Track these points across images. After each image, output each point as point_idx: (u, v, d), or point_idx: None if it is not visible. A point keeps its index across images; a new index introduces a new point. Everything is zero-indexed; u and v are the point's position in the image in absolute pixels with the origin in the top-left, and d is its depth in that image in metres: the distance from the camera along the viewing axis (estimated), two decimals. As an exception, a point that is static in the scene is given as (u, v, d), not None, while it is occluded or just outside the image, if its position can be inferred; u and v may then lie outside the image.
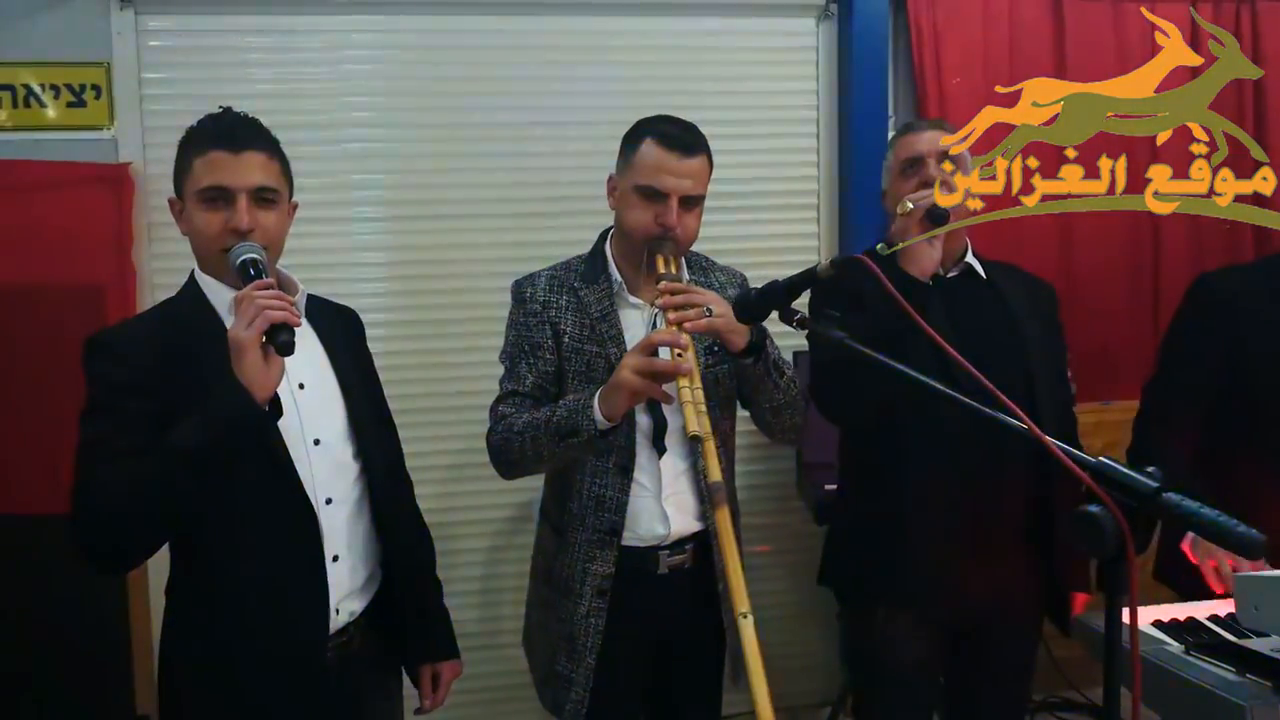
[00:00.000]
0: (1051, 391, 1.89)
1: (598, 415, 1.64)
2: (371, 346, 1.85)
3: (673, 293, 1.67)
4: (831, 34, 3.06)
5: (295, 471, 1.54)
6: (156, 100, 2.74)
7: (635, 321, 1.84)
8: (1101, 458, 0.94)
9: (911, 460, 1.83)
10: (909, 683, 1.92)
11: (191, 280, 1.61)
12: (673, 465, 1.83)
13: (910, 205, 1.66)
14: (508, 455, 1.77)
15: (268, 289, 1.43)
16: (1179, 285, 2.13)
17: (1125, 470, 0.92)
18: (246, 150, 1.54)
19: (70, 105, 2.71)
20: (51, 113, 2.71)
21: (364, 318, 1.85)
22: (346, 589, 1.61)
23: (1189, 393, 1.99)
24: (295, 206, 1.67)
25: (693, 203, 1.79)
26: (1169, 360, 2.06)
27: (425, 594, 1.81)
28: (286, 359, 1.42)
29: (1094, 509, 0.89)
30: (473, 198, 2.89)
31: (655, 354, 1.61)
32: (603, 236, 1.92)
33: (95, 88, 2.71)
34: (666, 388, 1.62)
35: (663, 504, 1.82)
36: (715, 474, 1.52)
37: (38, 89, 2.70)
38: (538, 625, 1.96)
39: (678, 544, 1.85)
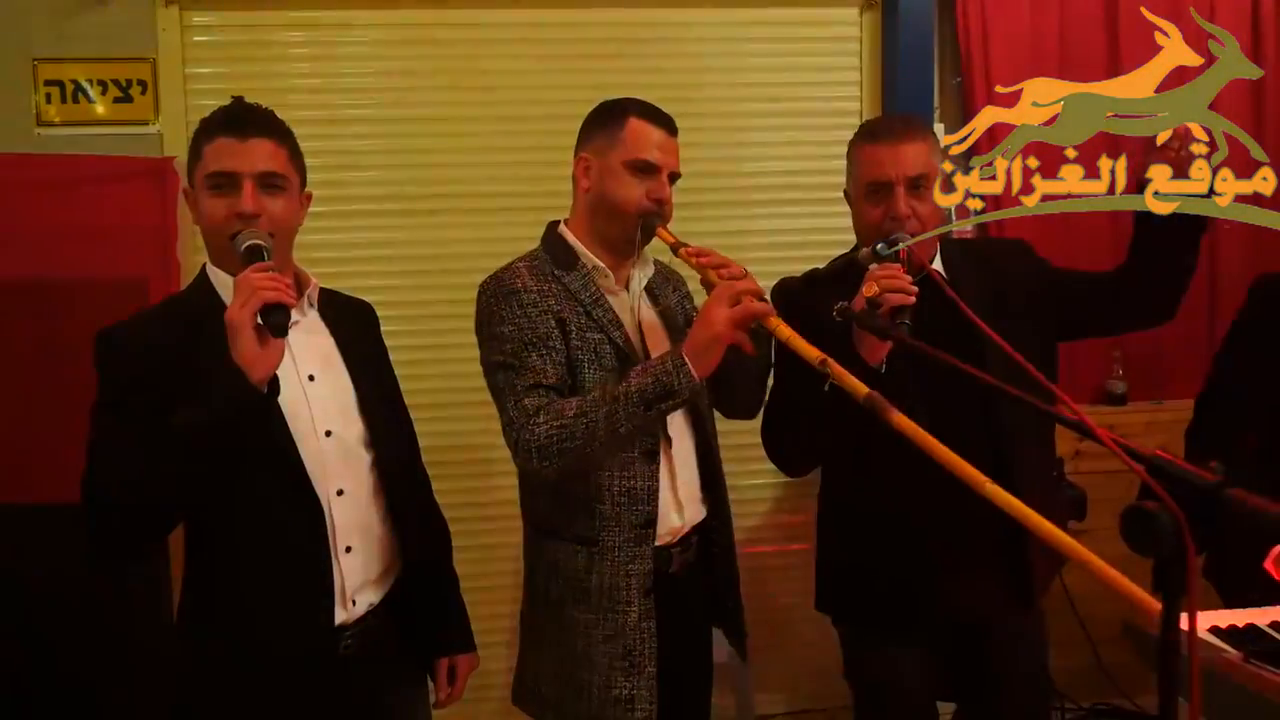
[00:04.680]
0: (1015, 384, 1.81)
1: (693, 372, 1.59)
2: (390, 340, 1.84)
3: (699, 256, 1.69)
4: (875, 24, 3.02)
5: (301, 464, 1.54)
6: (201, 95, 2.77)
7: (621, 306, 1.80)
8: (1157, 451, 0.89)
9: (882, 483, 1.80)
10: (907, 700, 1.91)
11: (203, 274, 1.63)
12: (682, 448, 1.80)
13: (877, 289, 1.54)
14: (567, 443, 1.62)
15: (265, 270, 1.43)
16: (1234, 282, 2.08)
17: (1184, 466, 0.87)
18: (253, 137, 1.55)
19: (117, 101, 2.75)
20: (99, 108, 2.75)
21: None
22: (361, 579, 1.61)
23: (1247, 404, 1.92)
24: (309, 197, 1.67)
25: (674, 180, 1.78)
26: (1228, 365, 1.99)
27: (440, 586, 1.79)
28: (299, 351, 1.42)
29: (1149, 505, 0.85)
30: (512, 191, 2.88)
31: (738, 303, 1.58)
32: (551, 228, 1.85)
33: (141, 83, 2.74)
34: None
35: (678, 494, 1.79)
36: (861, 388, 1.35)
37: (85, 85, 2.73)
38: (572, 656, 1.77)
39: (684, 540, 1.82)
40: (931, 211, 1.78)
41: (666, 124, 1.79)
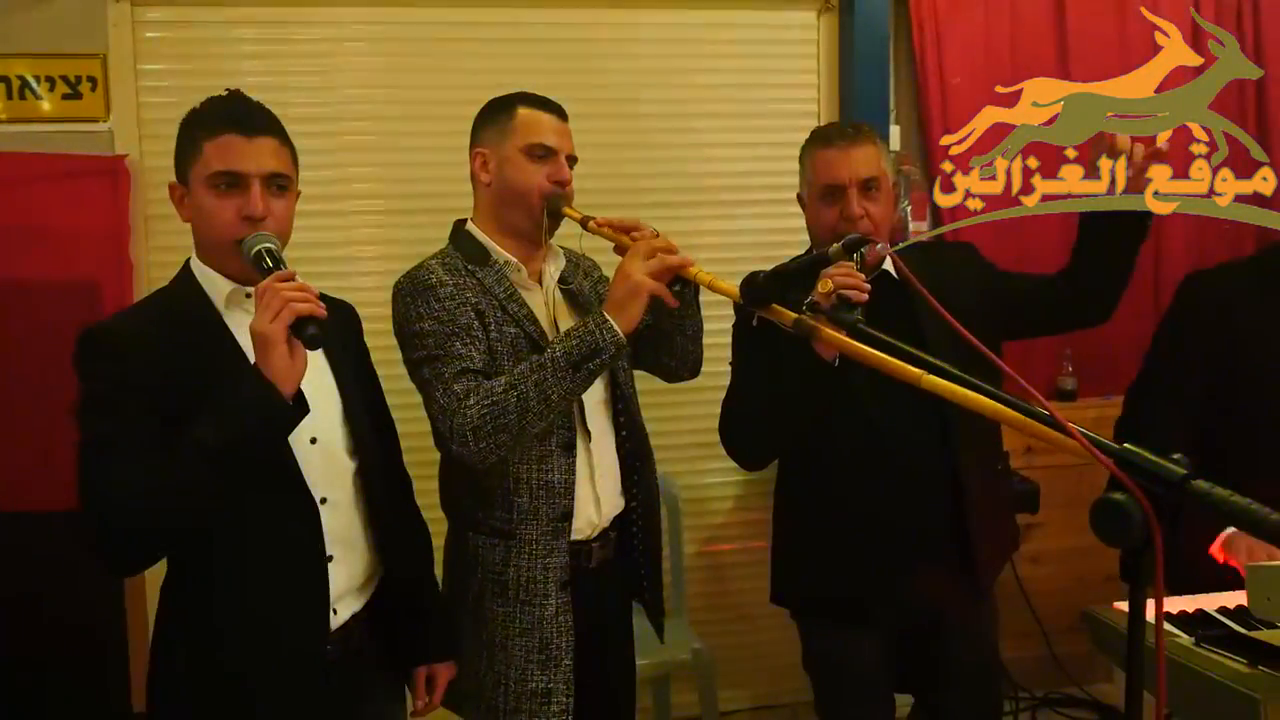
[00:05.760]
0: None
1: (616, 328, 1.60)
2: (369, 341, 1.82)
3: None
4: (832, 27, 3.05)
5: (298, 468, 1.51)
6: (153, 92, 2.72)
7: (536, 302, 1.80)
8: (1126, 445, 0.92)
9: (833, 475, 1.85)
10: (863, 690, 1.95)
11: (187, 270, 1.57)
12: (602, 442, 1.81)
13: (832, 286, 1.53)
14: (501, 419, 1.60)
15: (289, 279, 1.40)
16: (1179, 278, 2.13)
17: (1151, 457, 0.90)
18: (260, 135, 1.51)
19: (66, 97, 2.69)
20: (47, 105, 2.68)
21: (359, 312, 1.82)
22: (344, 588, 1.58)
23: (1176, 395, 1.97)
24: (298, 195, 1.65)
25: (572, 164, 1.81)
26: (1156, 362, 2.05)
27: (420, 593, 1.76)
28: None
29: (1118, 496, 0.87)
30: (470, 190, 2.86)
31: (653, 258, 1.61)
32: (458, 227, 1.85)
33: (91, 79, 2.69)
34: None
35: (595, 487, 1.79)
36: (788, 316, 1.38)
37: (33, 81, 2.67)
38: (489, 649, 1.77)
39: (603, 535, 1.82)
40: (883, 212, 1.87)
41: (556, 110, 1.81)
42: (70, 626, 2.65)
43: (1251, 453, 1.87)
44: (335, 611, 1.57)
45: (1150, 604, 0.90)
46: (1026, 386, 1.00)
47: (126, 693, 2.71)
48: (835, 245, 1.33)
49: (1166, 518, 0.85)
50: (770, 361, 1.84)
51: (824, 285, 1.54)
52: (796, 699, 3.09)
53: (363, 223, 2.86)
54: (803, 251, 1.93)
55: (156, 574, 1.54)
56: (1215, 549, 1.73)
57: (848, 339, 1.28)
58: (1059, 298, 1.94)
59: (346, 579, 1.59)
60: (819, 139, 1.91)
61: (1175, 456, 0.89)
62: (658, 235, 1.68)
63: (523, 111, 1.78)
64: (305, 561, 1.52)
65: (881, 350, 1.22)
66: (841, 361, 1.67)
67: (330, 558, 1.55)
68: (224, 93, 1.57)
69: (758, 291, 1.38)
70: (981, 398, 1.06)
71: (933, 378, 1.12)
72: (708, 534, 3.14)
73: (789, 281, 1.37)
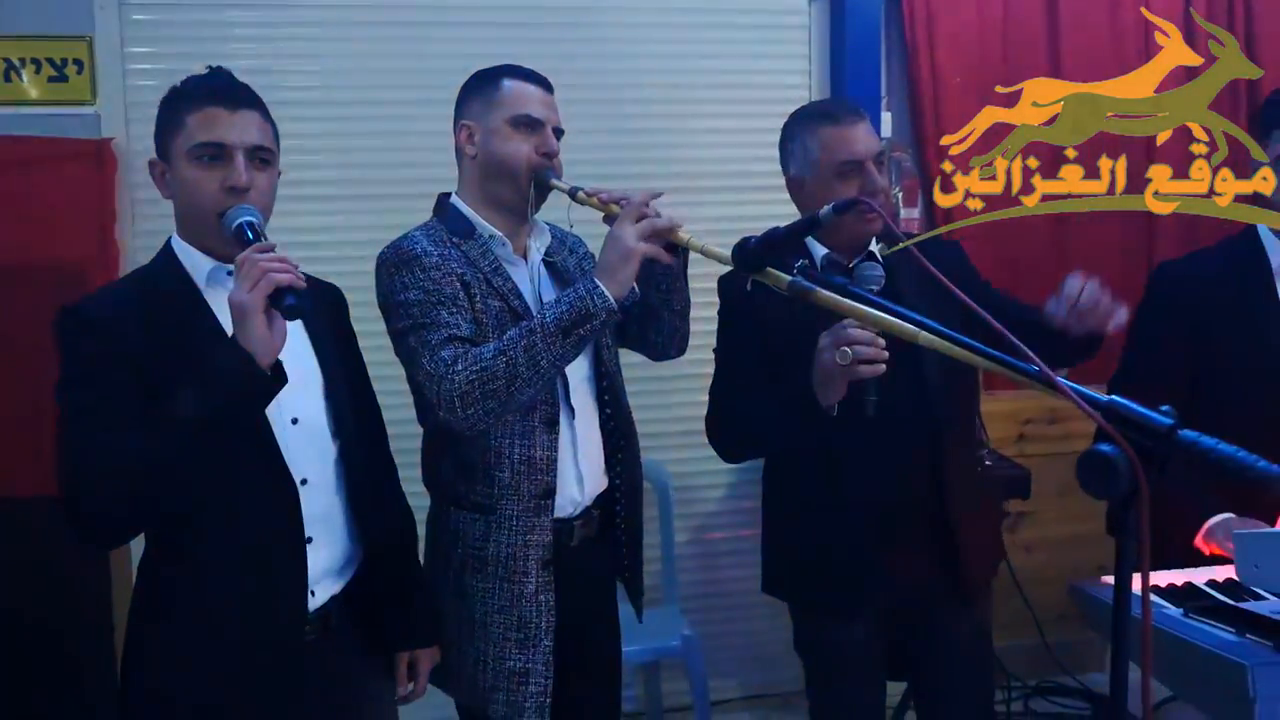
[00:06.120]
0: (947, 372, 1.83)
1: (607, 293, 1.58)
2: (357, 326, 1.80)
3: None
4: (824, 13, 3.04)
5: (278, 447, 1.50)
6: (140, 75, 2.71)
7: (521, 277, 1.79)
8: (1113, 397, 0.91)
9: (826, 465, 1.83)
10: (855, 674, 1.94)
11: (168, 248, 1.56)
12: (585, 419, 1.80)
13: (850, 355, 1.55)
14: (489, 385, 1.57)
15: (269, 250, 1.39)
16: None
17: (1138, 408, 0.89)
18: (243, 108, 1.51)
19: (52, 80, 2.67)
20: (32, 88, 2.67)
21: (352, 296, 1.80)
22: (323, 570, 1.57)
23: (1155, 382, 1.96)
24: (279, 174, 1.63)
25: (559, 136, 1.79)
26: (1134, 352, 2.05)
27: (403, 578, 1.74)
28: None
29: (1105, 447, 0.86)
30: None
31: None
32: (443, 200, 1.84)
33: (77, 62, 2.67)
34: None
35: (579, 465, 1.78)
36: (782, 279, 1.37)
37: (18, 64, 2.65)
38: (469, 625, 1.76)
39: (585, 513, 1.81)
40: (886, 187, 1.87)
41: (542, 82, 1.79)
42: (55, 611, 2.64)
43: (1226, 430, 1.86)
44: (313, 594, 1.55)
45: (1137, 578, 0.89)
46: (1018, 344, 0.99)
47: (113, 674, 2.69)
48: (826, 208, 1.32)
49: (1154, 470, 0.84)
50: (761, 353, 1.84)
51: (842, 356, 1.56)
52: (788, 687, 3.07)
53: (353, 207, 2.84)
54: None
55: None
56: (1199, 541, 1.72)
57: (843, 300, 1.27)
58: (1042, 337, 1.92)
59: (325, 561, 1.58)
60: (823, 117, 1.87)
61: (1163, 408, 0.88)
62: (658, 196, 1.66)
63: (509, 83, 1.76)
64: (283, 543, 1.51)
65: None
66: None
67: (309, 539, 1.54)
68: (207, 69, 1.56)
69: (750, 255, 1.37)
70: (974, 355, 1.05)
71: (929, 335, 1.11)
72: (699, 521, 3.13)
73: (781, 246, 1.36)
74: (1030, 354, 0.98)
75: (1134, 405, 0.89)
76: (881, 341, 1.56)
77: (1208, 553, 1.74)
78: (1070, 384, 0.92)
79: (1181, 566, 1.69)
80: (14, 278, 2.59)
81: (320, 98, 2.80)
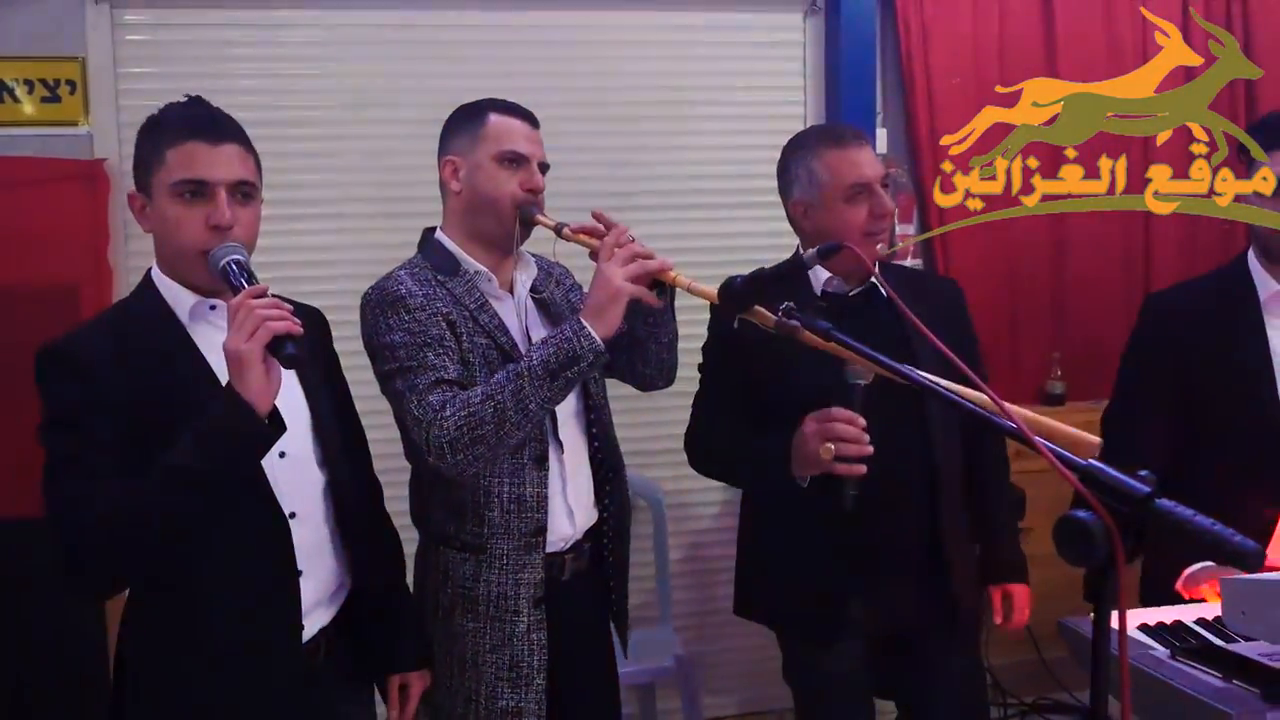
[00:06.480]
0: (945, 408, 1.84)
1: (594, 335, 1.57)
2: (340, 346, 1.78)
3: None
4: (818, 29, 3.03)
5: (268, 483, 1.49)
6: (133, 96, 2.70)
7: (507, 312, 1.78)
8: (1091, 460, 0.90)
9: (805, 490, 1.79)
10: (844, 698, 1.93)
11: (148, 282, 1.53)
12: (574, 454, 1.79)
13: (832, 452, 1.58)
14: (478, 430, 1.56)
15: (262, 295, 1.37)
16: (1170, 281, 2.12)
17: (1115, 474, 0.87)
18: (225, 142, 1.48)
19: (45, 100, 2.67)
20: (25, 108, 2.66)
21: (343, 318, 1.78)
22: (313, 602, 1.56)
23: (1149, 416, 1.96)
24: (261, 204, 1.62)
25: (544, 171, 1.79)
26: (1126, 387, 2.04)
27: (391, 604, 1.73)
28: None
29: (1081, 514, 0.85)
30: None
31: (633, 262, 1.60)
32: (427, 235, 1.83)
33: (70, 83, 2.67)
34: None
35: (568, 500, 1.77)
36: (769, 319, 1.39)
37: (11, 84, 2.65)
38: (460, 664, 1.74)
39: (577, 546, 1.81)
40: (894, 210, 1.87)
41: (527, 116, 1.79)
42: (51, 633, 2.62)
43: (1222, 468, 1.86)
44: (302, 627, 1.54)
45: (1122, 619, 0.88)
46: (1000, 403, 0.98)
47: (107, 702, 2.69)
48: (810, 251, 1.32)
49: (1131, 536, 0.83)
50: (743, 380, 1.85)
51: (825, 453, 1.59)
52: (782, 705, 3.06)
53: (349, 226, 2.84)
54: (792, 254, 1.91)
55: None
56: (1179, 586, 1.71)
57: (826, 342, 1.27)
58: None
59: (316, 593, 1.57)
60: (829, 140, 1.86)
61: (1141, 474, 0.87)
62: (627, 232, 1.65)
63: (494, 118, 1.75)
64: (275, 577, 1.50)
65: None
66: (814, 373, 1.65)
67: (300, 572, 1.53)
68: (184, 99, 1.54)
69: (736, 294, 1.36)
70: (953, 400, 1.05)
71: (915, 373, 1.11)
72: (692, 540, 3.12)
73: (766, 285, 1.35)
74: (1006, 408, 0.96)
75: (1111, 470, 0.87)
76: (865, 438, 1.58)
77: (1187, 597, 1.73)
78: (1049, 445, 0.91)
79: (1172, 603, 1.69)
80: (6, 297, 2.58)
81: (315, 117, 2.79)
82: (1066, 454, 0.90)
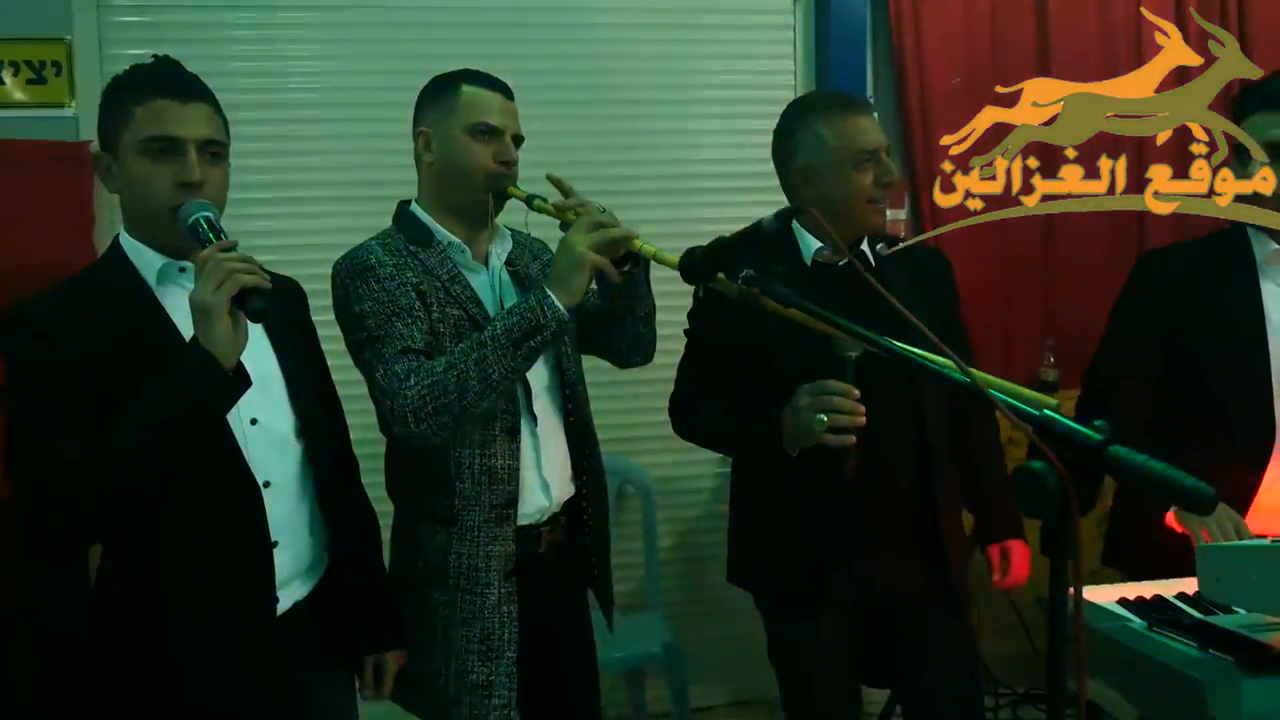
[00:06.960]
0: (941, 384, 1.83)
1: (558, 303, 1.56)
2: (327, 330, 1.77)
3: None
4: (809, 14, 3.03)
5: (239, 450, 1.48)
6: (119, 77, 2.69)
7: (481, 284, 1.77)
8: (1045, 410, 0.89)
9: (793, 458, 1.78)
10: (828, 678, 1.91)
11: (116, 246, 1.52)
12: (548, 426, 1.78)
13: (825, 423, 1.58)
14: (441, 399, 1.57)
15: (231, 249, 1.36)
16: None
17: (1069, 423, 0.87)
18: (194, 100, 1.47)
19: (30, 82, 2.66)
20: (11, 90, 2.66)
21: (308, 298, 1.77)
22: (289, 574, 1.55)
23: (1133, 373, 1.94)
24: (229, 166, 1.59)
25: (519, 144, 1.78)
26: (1111, 341, 2.02)
27: (367, 580, 1.72)
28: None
29: (1036, 465, 0.84)
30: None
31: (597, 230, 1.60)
32: (402, 208, 1.82)
33: (56, 64, 2.66)
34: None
35: (543, 472, 1.76)
36: (731, 286, 1.40)
37: (-3, 65, 2.65)
38: (431, 638, 1.75)
39: (553, 519, 1.80)
40: (900, 180, 1.84)
41: (501, 89, 1.77)
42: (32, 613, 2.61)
43: (1211, 428, 1.84)
44: (278, 599, 1.53)
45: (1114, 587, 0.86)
46: (954, 356, 0.97)
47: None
48: (768, 217, 1.31)
49: (1087, 485, 0.81)
50: (728, 347, 1.83)
51: (818, 424, 1.58)
52: (772, 694, 3.03)
53: (345, 208, 2.80)
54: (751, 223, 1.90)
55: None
56: (1169, 519, 1.69)
57: (792, 310, 1.26)
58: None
59: (291, 565, 1.56)
60: (836, 105, 1.84)
61: (1096, 423, 0.86)
62: (604, 210, 1.64)
63: (467, 90, 1.74)
64: (249, 547, 1.49)
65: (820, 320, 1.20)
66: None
67: (275, 543, 1.52)
68: (153, 58, 1.53)
69: (696, 265, 1.36)
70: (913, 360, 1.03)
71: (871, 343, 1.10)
72: (682, 526, 3.11)
73: (726, 255, 1.34)
74: (964, 365, 0.95)
75: (1065, 420, 0.86)
76: (861, 410, 1.57)
77: (1179, 530, 1.71)
78: (1002, 396, 0.89)
79: (1146, 562, 1.66)
80: (-9, 281, 2.58)
81: (309, 99, 2.79)
82: (1022, 406, 0.89)
